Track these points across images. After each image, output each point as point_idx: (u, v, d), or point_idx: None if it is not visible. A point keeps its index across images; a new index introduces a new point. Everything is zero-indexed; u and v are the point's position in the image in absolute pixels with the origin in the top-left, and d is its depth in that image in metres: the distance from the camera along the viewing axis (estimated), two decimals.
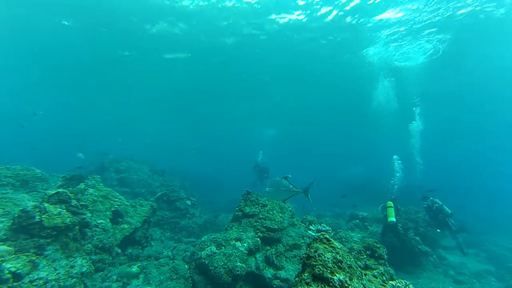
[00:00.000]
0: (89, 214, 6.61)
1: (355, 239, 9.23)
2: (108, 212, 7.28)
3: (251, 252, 6.21)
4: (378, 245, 5.89)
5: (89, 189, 7.57)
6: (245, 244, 6.17)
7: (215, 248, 6.04)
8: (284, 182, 5.04)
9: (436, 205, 8.86)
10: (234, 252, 5.87)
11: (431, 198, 9.21)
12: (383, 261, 5.53)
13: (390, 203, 8.33)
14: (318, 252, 2.75)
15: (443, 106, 26.06)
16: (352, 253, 5.85)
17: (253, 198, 7.22)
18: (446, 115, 28.67)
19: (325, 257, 2.68)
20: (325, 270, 2.58)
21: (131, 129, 51.87)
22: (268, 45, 18.19)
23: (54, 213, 5.47)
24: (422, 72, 19.74)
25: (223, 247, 6.08)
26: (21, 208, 5.43)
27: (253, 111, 34.21)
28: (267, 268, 6.04)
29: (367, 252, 5.87)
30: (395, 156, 18.39)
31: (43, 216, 5.29)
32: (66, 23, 17.26)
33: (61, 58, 22.30)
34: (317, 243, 3.00)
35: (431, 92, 22.54)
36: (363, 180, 26.41)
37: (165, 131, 50.99)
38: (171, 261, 7.10)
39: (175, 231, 10.55)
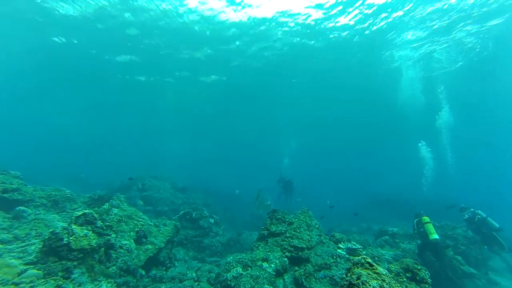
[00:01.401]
0: (113, 235, 6.61)
1: (387, 257, 8.58)
2: (132, 233, 7.26)
3: (278, 273, 5.88)
4: (419, 267, 5.32)
5: (114, 209, 7.63)
6: (272, 265, 5.85)
7: (241, 269, 5.78)
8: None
9: (479, 217, 8.01)
10: (262, 274, 5.57)
11: (472, 209, 8.37)
12: (426, 286, 4.96)
13: (426, 218, 7.65)
14: (362, 279, 2.45)
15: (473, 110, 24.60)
16: (390, 275, 5.35)
17: (279, 216, 6.94)
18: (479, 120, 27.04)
19: (370, 286, 2.37)
20: None
21: (153, 143, 53.30)
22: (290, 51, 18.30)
23: (81, 235, 5.49)
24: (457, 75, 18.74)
25: (249, 268, 5.80)
26: (51, 230, 5.51)
27: (275, 122, 34.26)
28: None
29: (407, 275, 5.31)
30: (421, 143, 16.86)
31: (70, 238, 5.32)
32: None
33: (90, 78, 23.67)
34: (358, 268, 2.70)
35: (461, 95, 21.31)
36: (390, 193, 25.13)
37: (187, 145, 51.91)
38: (196, 283, 6.87)
39: (199, 251, 10.37)
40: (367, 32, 15.53)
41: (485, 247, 8.10)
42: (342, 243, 7.66)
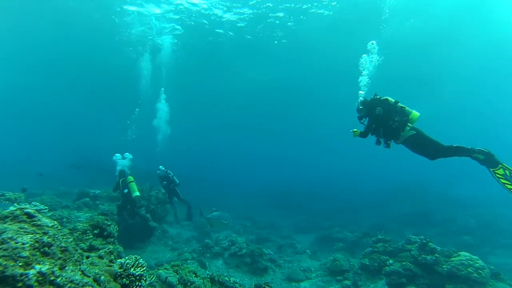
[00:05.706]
0: None
1: (81, 219, 7.92)
2: None
3: None
4: (108, 223, 5.23)
5: None
6: None
7: None
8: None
9: (170, 175, 9.59)
10: None
11: (166, 169, 9.80)
12: (112, 240, 4.97)
13: (131, 178, 8.01)
14: (4, 236, 1.68)
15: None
16: (75, 234, 4.77)
17: None
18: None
19: (16, 243, 1.67)
20: (13, 263, 1.59)
21: None
22: None
23: None
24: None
25: None
26: None
27: None
28: None
29: (95, 231, 5.04)
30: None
31: None
32: None
33: None
34: (6, 222, 1.88)
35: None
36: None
37: None
38: None
39: None
40: None
41: (167, 205, 9.92)
42: (17, 204, 5.85)
